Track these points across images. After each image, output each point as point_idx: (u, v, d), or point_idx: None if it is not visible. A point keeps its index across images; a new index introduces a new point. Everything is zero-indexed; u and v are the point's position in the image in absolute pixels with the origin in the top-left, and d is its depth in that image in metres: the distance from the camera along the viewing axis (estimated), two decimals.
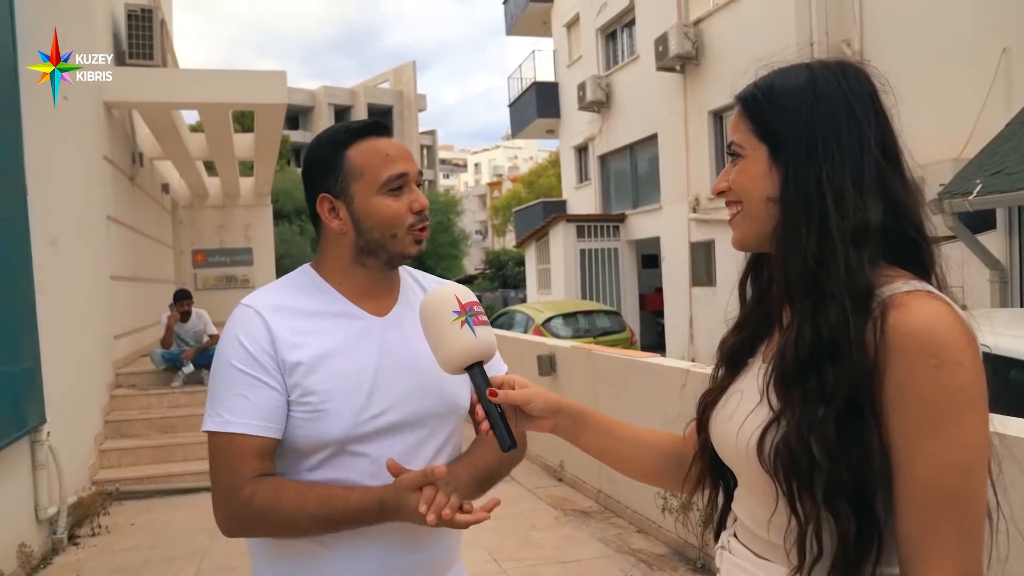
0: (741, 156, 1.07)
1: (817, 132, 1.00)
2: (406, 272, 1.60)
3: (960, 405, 0.87)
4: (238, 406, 1.33)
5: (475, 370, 1.24)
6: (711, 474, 1.19)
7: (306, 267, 1.52)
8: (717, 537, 1.21)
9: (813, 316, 0.95)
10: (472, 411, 1.33)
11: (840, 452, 0.90)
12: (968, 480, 0.88)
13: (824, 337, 0.93)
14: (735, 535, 1.13)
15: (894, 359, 0.89)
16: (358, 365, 1.39)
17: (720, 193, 1.11)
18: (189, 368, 8.01)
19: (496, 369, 1.57)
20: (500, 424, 1.20)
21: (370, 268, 1.46)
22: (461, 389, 1.50)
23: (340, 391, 1.36)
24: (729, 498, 1.19)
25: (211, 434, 1.35)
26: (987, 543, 0.92)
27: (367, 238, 1.42)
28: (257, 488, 1.31)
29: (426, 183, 50.02)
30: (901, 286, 0.94)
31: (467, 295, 1.29)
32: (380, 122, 1.47)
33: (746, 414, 1.03)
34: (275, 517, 1.31)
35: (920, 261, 1.00)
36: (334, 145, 1.43)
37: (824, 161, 0.98)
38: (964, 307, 0.96)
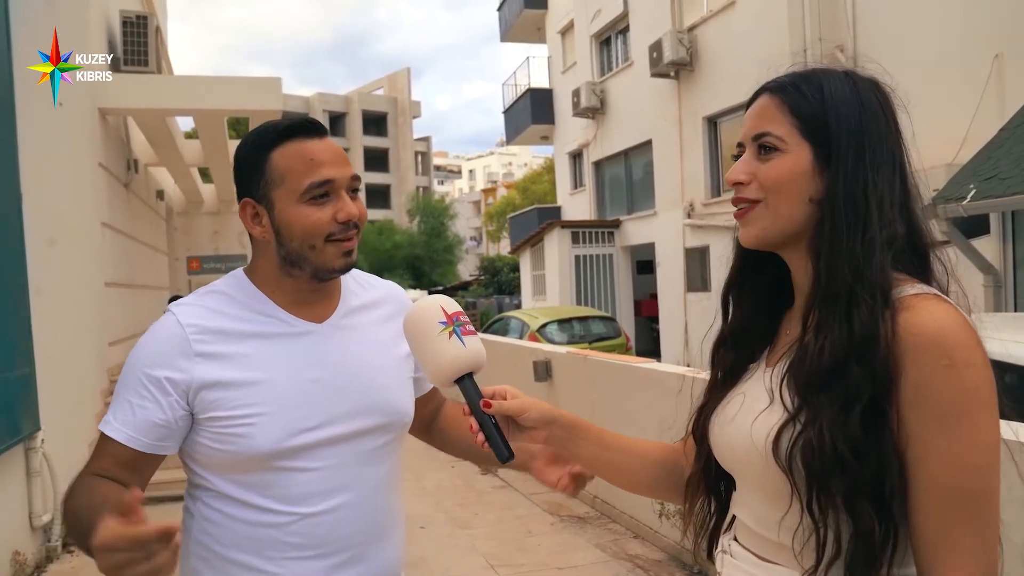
0: (778, 150, 1.03)
1: (866, 141, 1.00)
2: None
3: (973, 404, 0.89)
4: (121, 411, 1.30)
5: (466, 381, 1.20)
6: (712, 485, 1.18)
7: (238, 272, 1.44)
8: (710, 543, 1.20)
9: (848, 317, 0.95)
10: (461, 423, 1.30)
11: (864, 452, 0.91)
12: (983, 478, 0.89)
13: (856, 338, 0.94)
14: (735, 539, 1.12)
15: (908, 360, 0.90)
16: (291, 376, 1.33)
17: (737, 184, 1.07)
18: None
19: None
20: (495, 435, 1.16)
21: (298, 279, 1.38)
22: (404, 399, 1.46)
23: (269, 406, 1.30)
24: (723, 504, 1.19)
25: None
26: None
27: (287, 248, 1.34)
28: (78, 482, 1.28)
29: (420, 189, 50.05)
30: (908, 289, 0.96)
31: (452, 305, 1.25)
32: (311, 121, 1.36)
33: (754, 415, 1.02)
34: (65, 507, 1.26)
35: (923, 272, 1.02)
36: (258, 147, 1.34)
37: (871, 170, 1.00)
38: (969, 311, 0.97)
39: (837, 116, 1.01)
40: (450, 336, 1.19)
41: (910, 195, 1.03)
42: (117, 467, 1.29)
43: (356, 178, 1.37)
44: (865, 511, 0.91)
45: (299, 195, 1.31)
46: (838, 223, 0.99)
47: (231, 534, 1.33)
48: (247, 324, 1.35)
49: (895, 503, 0.92)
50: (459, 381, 1.20)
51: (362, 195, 1.43)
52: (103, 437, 1.30)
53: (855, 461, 0.91)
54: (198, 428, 1.32)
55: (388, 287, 1.60)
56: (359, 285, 1.52)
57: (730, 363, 1.15)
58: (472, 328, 1.25)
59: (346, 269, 1.38)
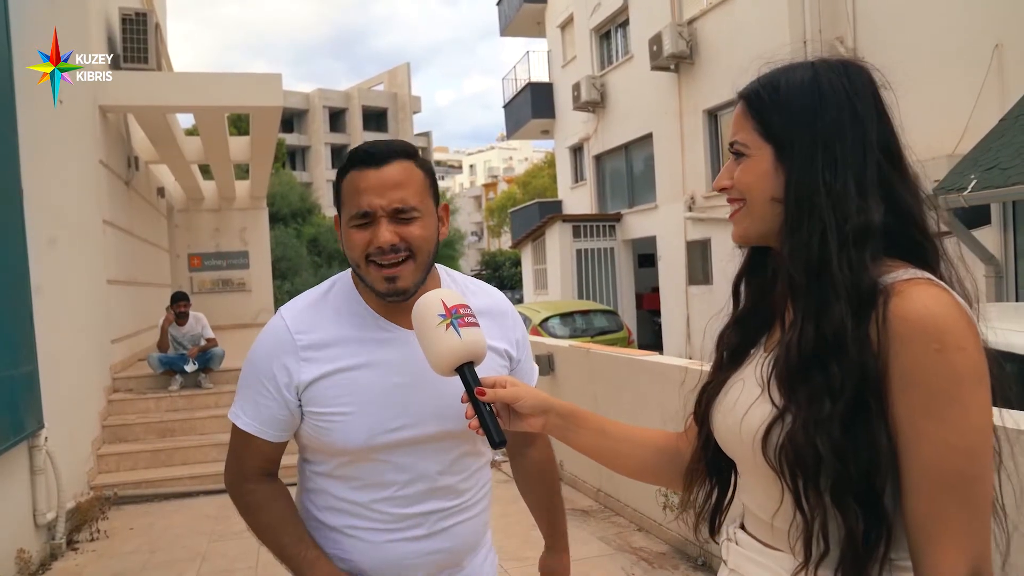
0: (745, 155, 1.07)
1: (820, 135, 1.00)
2: (449, 278, 1.60)
3: (963, 388, 0.88)
4: (249, 407, 1.48)
5: (464, 370, 1.27)
6: (712, 467, 1.20)
7: (346, 275, 1.54)
8: (712, 529, 1.22)
9: (817, 315, 0.96)
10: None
11: (847, 449, 0.91)
12: (974, 462, 0.89)
13: (828, 336, 0.94)
14: (742, 526, 1.14)
15: (897, 346, 0.90)
16: (380, 379, 1.43)
17: (722, 189, 1.11)
18: (193, 366, 7.96)
19: (527, 375, 1.64)
20: (488, 422, 1.23)
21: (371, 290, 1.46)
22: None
23: (357, 406, 1.42)
24: (726, 490, 1.20)
25: None
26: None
27: (350, 263, 1.47)
28: (257, 489, 1.51)
29: None
30: (902, 274, 0.96)
31: (453, 298, 1.30)
32: (369, 151, 1.41)
33: (747, 405, 1.04)
34: (253, 520, 1.51)
35: (924, 259, 1.01)
36: (339, 172, 1.47)
37: (826, 164, 0.99)
38: (974, 298, 0.97)
39: (789, 114, 1.03)
40: (447, 328, 1.26)
41: (895, 179, 1.01)
42: (263, 460, 1.52)
43: (400, 209, 1.39)
44: (851, 509, 0.91)
45: (347, 220, 1.42)
46: (791, 220, 1.02)
47: (325, 502, 1.51)
48: (345, 328, 1.47)
49: (887, 499, 0.92)
50: (459, 370, 1.27)
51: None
52: (238, 431, 1.49)
53: (836, 459, 0.91)
54: (304, 417, 1.47)
55: (494, 299, 1.64)
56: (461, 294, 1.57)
57: (735, 344, 1.17)
58: (473, 320, 1.30)
59: (391, 294, 1.42)
